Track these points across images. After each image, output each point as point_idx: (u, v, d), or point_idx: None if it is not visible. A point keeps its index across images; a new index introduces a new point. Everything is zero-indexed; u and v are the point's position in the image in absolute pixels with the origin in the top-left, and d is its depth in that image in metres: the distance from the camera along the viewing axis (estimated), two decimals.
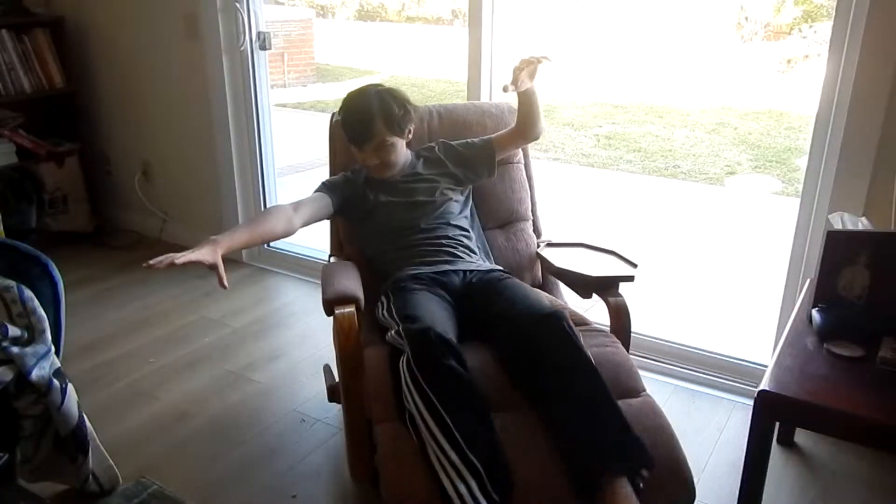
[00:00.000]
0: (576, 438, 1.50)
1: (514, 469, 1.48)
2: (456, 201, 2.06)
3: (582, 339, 1.64)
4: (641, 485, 1.46)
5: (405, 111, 1.97)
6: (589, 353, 1.61)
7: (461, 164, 2.09)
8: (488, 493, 1.42)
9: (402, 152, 2.03)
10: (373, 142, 1.95)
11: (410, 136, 2.03)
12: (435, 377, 1.52)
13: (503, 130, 2.16)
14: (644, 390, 1.71)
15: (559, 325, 1.62)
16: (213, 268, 1.62)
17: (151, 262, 1.56)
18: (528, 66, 1.98)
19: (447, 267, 1.92)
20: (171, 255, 1.58)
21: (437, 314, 1.71)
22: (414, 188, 2.02)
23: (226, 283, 1.62)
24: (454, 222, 2.01)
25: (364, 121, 1.94)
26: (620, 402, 1.58)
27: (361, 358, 1.71)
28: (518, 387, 1.63)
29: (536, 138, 2.17)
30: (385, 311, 1.80)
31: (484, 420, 1.53)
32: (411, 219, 1.98)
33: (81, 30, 3.52)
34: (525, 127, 2.11)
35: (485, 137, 2.14)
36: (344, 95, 2.04)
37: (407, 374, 1.55)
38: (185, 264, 1.58)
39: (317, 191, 2.02)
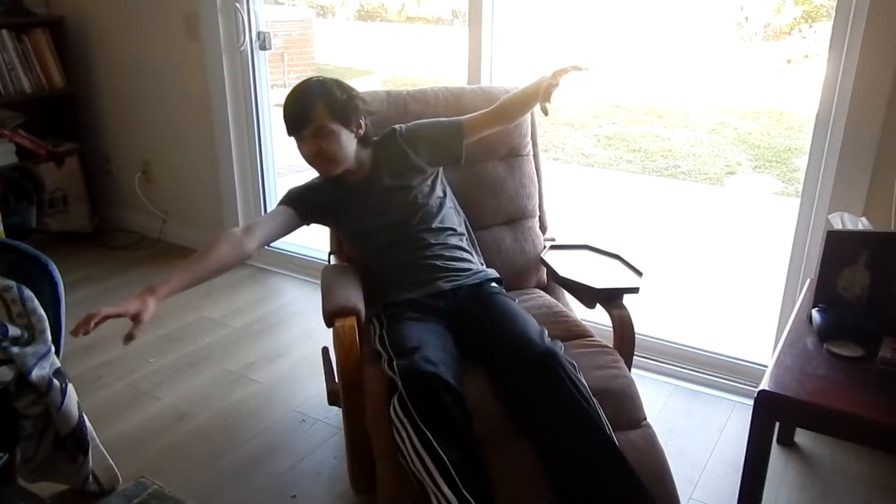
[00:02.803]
0: (587, 484, 1.48)
1: None
2: (435, 198, 1.94)
3: (579, 372, 1.59)
4: None
5: (350, 98, 1.82)
6: (587, 393, 1.56)
7: (428, 147, 1.93)
8: None
9: (349, 147, 1.84)
10: (311, 126, 1.77)
11: (361, 131, 1.86)
12: (431, 415, 1.49)
13: (477, 112, 1.99)
14: (645, 419, 1.69)
15: (554, 372, 1.56)
16: (133, 319, 1.55)
17: (75, 329, 1.51)
18: (563, 75, 1.79)
19: (438, 285, 1.84)
20: (93, 313, 1.52)
21: (430, 345, 1.64)
22: (387, 203, 1.90)
23: (131, 336, 1.54)
24: (435, 225, 1.91)
25: (302, 101, 1.78)
26: (619, 435, 1.57)
27: (362, 373, 1.68)
28: (513, 421, 1.60)
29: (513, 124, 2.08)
30: (377, 340, 1.75)
31: (478, 460, 1.51)
32: (392, 236, 1.89)
33: (81, 30, 3.52)
34: (513, 114, 1.98)
35: (456, 119, 1.97)
36: None
37: (400, 412, 1.51)
38: (110, 317, 1.54)
39: (280, 202, 1.94)
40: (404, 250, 1.89)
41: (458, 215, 2.02)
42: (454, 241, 1.94)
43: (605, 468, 1.50)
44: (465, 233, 2.01)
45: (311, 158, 1.84)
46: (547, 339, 1.65)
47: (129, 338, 1.55)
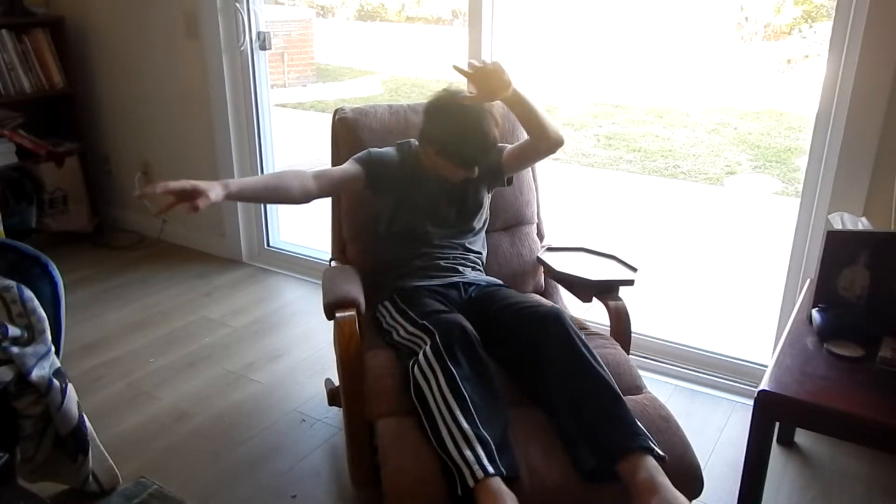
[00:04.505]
0: (592, 422, 1.49)
1: (518, 460, 1.48)
2: (478, 224, 2.03)
3: (582, 334, 1.65)
4: (665, 458, 1.45)
5: None
6: (593, 351, 1.61)
7: (483, 173, 1.98)
8: (497, 464, 1.41)
9: None
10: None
11: None
12: (462, 356, 1.56)
13: (518, 142, 2.02)
14: (645, 387, 1.73)
15: (560, 325, 1.61)
16: (200, 197, 1.60)
17: (143, 192, 1.58)
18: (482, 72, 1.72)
19: (451, 279, 1.93)
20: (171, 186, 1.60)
21: (454, 313, 1.74)
22: (438, 207, 1.97)
23: (196, 208, 1.59)
24: (467, 244, 2.01)
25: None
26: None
27: (362, 362, 1.71)
28: (522, 387, 1.64)
29: (553, 150, 1.91)
30: (396, 314, 1.82)
31: (501, 409, 1.55)
32: (427, 236, 1.96)
33: (81, 30, 3.52)
34: (532, 137, 1.90)
35: (499, 146, 1.99)
36: (427, 103, 1.91)
37: (432, 356, 1.56)
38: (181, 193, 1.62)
39: (357, 161, 1.92)
40: (430, 248, 1.96)
41: (484, 244, 2.09)
42: (473, 256, 2.03)
43: (612, 396, 1.51)
44: (483, 264, 2.08)
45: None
46: (550, 303, 1.74)
47: (194, 209, 1.62)
